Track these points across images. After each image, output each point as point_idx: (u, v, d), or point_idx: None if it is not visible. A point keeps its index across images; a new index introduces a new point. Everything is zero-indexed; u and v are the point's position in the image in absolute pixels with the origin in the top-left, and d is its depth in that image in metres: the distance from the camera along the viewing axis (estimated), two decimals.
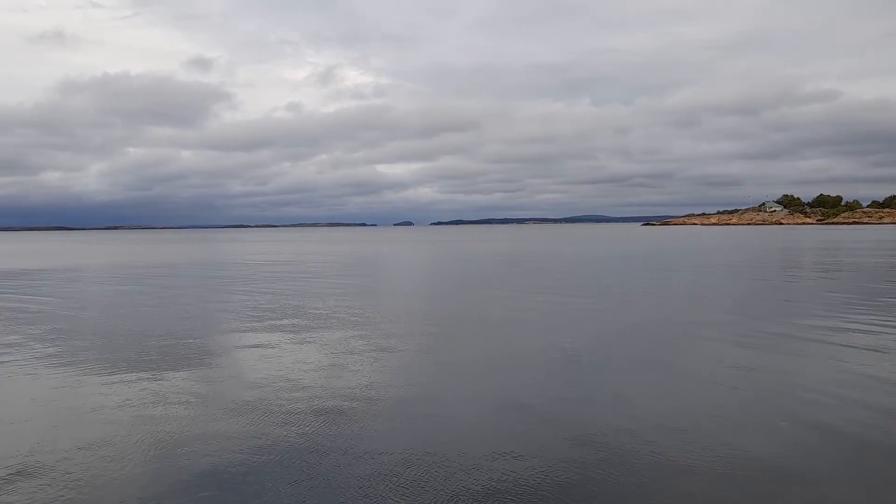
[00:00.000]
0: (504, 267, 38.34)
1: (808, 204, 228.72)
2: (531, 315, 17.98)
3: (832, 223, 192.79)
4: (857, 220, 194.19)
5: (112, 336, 15.28)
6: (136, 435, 8.10)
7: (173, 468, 7.04)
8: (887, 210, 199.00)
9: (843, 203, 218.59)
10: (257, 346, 13.90)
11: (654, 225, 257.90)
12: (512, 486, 6.53)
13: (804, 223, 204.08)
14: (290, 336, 14.95)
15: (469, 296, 23.18)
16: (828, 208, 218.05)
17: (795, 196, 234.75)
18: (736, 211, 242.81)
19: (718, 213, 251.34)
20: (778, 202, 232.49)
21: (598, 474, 6.80)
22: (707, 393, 9.85)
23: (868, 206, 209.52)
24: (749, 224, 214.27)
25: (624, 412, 8.86)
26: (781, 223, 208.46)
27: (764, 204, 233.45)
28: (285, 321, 17.21)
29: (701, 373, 11.08)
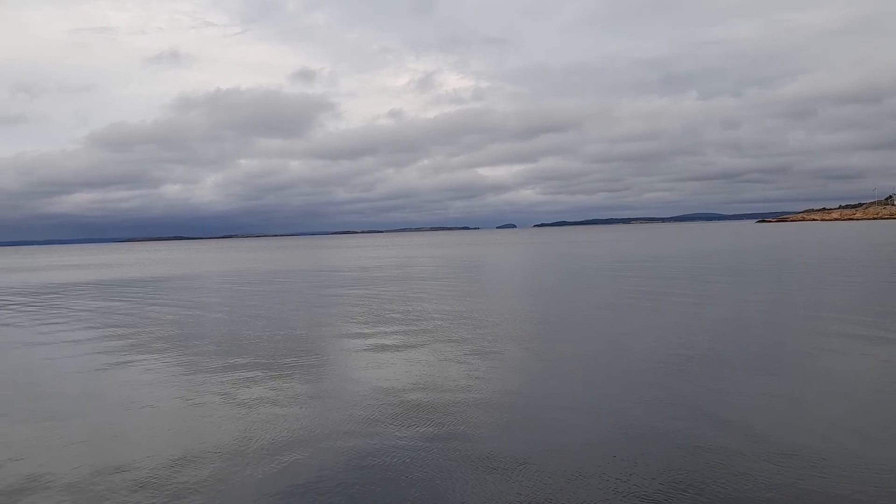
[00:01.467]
0: (608, 268, 37.41)
1: None
2: (638, 317, 17.36)
3: None
4: None
5: (231, 339, 15.84)
6: (252, 435, 8.28)
7: (285, 470, 7.12)
8: None
9: None
10: (367, 348, 14.04)
11: (769, 222, 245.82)
12: (618, 497, 6.20)
13: None
14: (399, 338, 15.03)
15: (573, 298, 22.69)
16: None
17: None
18: (860, 205, 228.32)
19: (840, 207, 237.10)
20: None
21: (713, 494, 6.37)
22: (840, 403, 9.13)
23: None
24: (875, 219, 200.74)
25: (744, 424, 8.31)
26: None
27: (891, 197, 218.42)
28: (394, 323, 17.34)
29: (829, 381, 10.31)
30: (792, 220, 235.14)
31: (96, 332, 18.00)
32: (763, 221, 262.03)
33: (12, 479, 7.13)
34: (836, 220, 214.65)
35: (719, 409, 8.88)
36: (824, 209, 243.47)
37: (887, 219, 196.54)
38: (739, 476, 6.61)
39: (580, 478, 6.68)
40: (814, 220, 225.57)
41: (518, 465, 7.07)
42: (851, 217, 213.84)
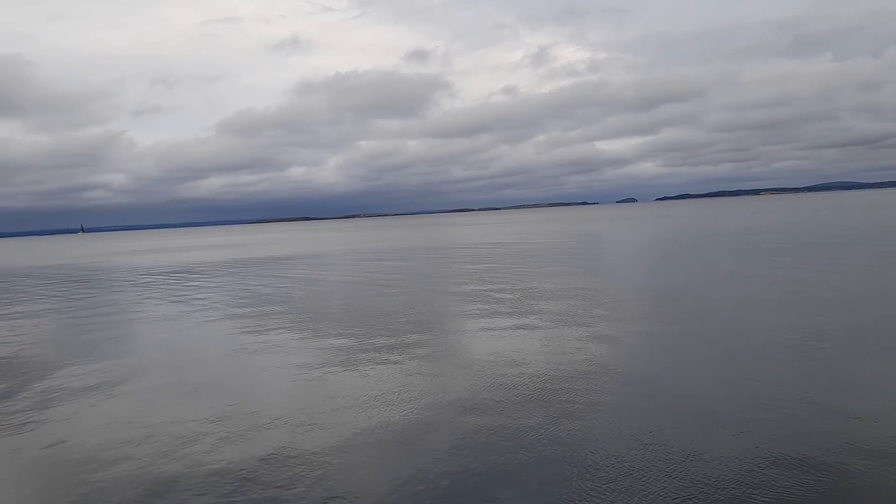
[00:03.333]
0: (736, 242, 35.68)
1: None
2: (770, 293, 16.42)
3: None
4: None
5: (358, 314, 16.28)
6: (374, 416, 8.42)
7: (410, 443, 7.19)
8: None
9: None
10: (488, 323, 14.02)
11: None
12: (757, 494, 5.85)
13: None
14: (520, 313, 14.91)
15: (698, 272, 21.79)
16: None
17: None
18: None
19: None
20: None
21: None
22: None
23: None
24: None
25: (876, 416, 7.66)
26: None
27: None
28: (515, 299, 17.23)
29: None
30: None
31: (233, 307, 19.01)
32: None
33: (156, 445, 7.62)
34: None
35: (851, 394, 8.28)
36: None
37: None
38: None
39: (702, 459, 6.40)
40: None
41: (642, 441, 6.85)
42: None
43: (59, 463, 7.26)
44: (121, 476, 6.75)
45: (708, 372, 9.50)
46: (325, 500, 5.99)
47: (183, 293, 23.95)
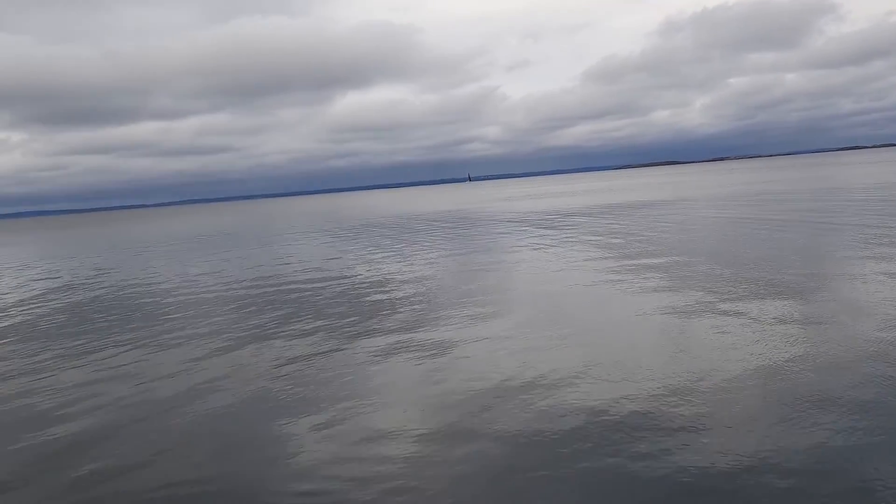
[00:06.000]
0: None
1: None
2: None
3: None
4: None
5: (725, 264, 16.20)
6: (748, 354, 8.71)
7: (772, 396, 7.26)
8: None
9: None
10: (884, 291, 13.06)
11: None
12: None
13: None
14: None
15: None
16: None
17: None
18: None
19: None
20: None
21: None
22: None
23: None
24: None
25: None
26: None
27: None
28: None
29: None
30: None
31: (597, 249, 20.25)
32: None
33: (525, 378, 8.31)
34: None
35: None
36: None
37: None
38: None
39: None
40: None
41: None
42: None
43: (439, 382, 8.37)
44: (499, 404, 7.39)
45: None
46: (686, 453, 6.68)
47: (556, 236, 25.88)
